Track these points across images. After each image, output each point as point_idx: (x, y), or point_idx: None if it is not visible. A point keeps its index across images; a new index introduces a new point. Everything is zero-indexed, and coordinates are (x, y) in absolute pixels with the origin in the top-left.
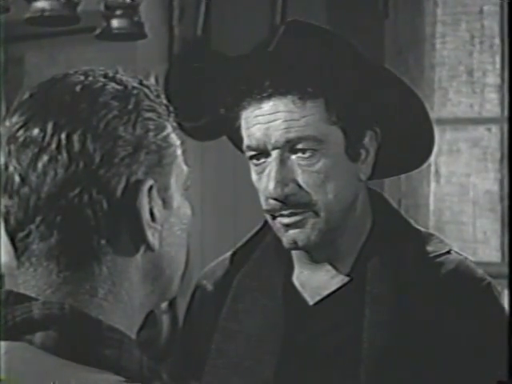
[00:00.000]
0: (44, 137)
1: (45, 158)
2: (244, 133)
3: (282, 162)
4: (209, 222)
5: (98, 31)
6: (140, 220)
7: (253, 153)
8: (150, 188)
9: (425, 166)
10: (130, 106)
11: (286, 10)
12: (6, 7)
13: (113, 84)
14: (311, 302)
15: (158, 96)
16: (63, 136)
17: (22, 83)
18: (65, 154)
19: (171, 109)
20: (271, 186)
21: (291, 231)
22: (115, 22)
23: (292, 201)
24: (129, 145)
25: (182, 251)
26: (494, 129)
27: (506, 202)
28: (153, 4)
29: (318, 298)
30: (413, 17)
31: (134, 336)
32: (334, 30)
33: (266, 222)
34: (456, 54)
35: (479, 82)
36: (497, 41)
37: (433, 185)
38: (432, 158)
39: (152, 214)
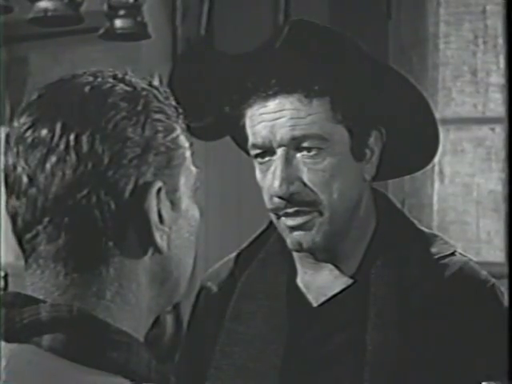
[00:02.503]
0: (52, 137)
1: (53, 158)
2: (249, 131)
3: (288, 160)
4: (213, 222)
5: (101, 31)
6: (148, 222)
7: (258, 151)
8: (159, 190)
9: (429, 166)
10: (139, 108)
11: (289, 10)
12: (9, 7)
13: (122, 85)
14: (315, 304)
15: (167, 98)
16: (72, 137)
17: (26, 83)
18: (73, 155)
19: (180, 110)
20: (276, 183)
21: (296, 233)
22: (118, 22)
23: (297, 199)
24: (137, 146)
25: (189, 254)
26: (498, 129)
27: (510, 202)
28: (156, 4)
29: (323, 299)
30: (416, 17)
31: (141, 338)
32: (335, 28)
33: (270, 222)
34: (459, 54)
35: (483, 81)
36: (500, 40)
37: (437, 185)
38: (436, 158)
39: (160, 216)
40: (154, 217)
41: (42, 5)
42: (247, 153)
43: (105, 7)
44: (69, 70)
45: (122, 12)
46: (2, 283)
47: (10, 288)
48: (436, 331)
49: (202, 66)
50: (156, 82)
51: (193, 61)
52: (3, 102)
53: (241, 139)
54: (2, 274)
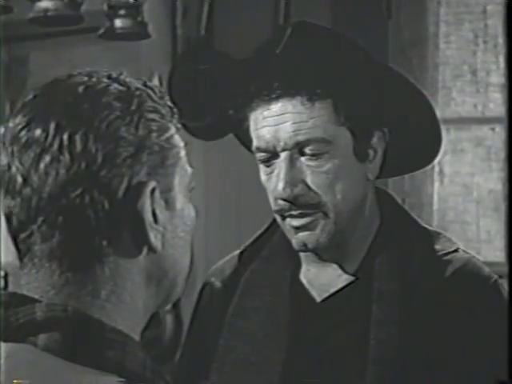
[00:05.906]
0: (46, 137)
1: (47, 158)
2: (253, 134)
3: (291, 163)
4: (213, 221)
5: (101, 31)
6: (142, 221)
7: (262, 154)
8: (153, 190)
9: (430, 165)
10: (133, 107)
11: (289, 11)
12: (9, 7)
13: (116, 85)
14: (318, 299)
15: (161, 97)
16: (65, 136)
17: (26, 83)
18: (67, 155)
19: (175, 110)
20: (280, 186)
21: (301, 233)
22: (119, 22)
23: (301, 201)
24: (131, 145)
25: (185, 253)
26: (498, 128)
27: (510, 202)
28: (156, 4)
29: (326, 295)
30: (416, 17)
31: (137, 337)
32: (337, 30)
33: (274, 220)
34: (459, 54)
35: (483, 81)
36: (500, 40)
37: (436, 184)
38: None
39: (154, 215)
40: (148, 216)
41: (43, 4)
42: (251, 151)
43: (105, 7)
44: (69, 69)
45: (122, 12)
46: (2, 283)
47: (10, 287)
48: (439, 327)
49: (201, 66)
50: (155, 82)
51: (193, 61)
52: (3, 102)
53: (245, 139)
54: (2, 273)
